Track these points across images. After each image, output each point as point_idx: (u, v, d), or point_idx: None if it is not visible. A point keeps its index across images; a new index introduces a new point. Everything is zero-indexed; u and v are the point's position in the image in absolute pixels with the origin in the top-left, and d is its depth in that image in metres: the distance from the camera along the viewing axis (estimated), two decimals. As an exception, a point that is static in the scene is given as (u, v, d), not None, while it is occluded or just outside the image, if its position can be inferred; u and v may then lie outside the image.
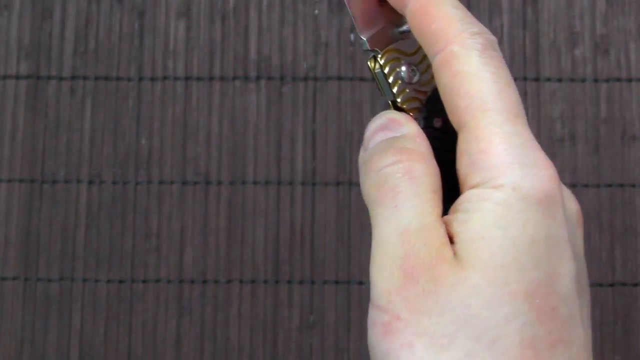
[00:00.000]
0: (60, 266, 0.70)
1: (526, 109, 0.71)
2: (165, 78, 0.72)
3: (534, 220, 0.20)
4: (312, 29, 0.73)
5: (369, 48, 0.25)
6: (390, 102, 0.25)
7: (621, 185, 0.69)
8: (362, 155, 0.24)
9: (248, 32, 0.73)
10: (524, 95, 0.71)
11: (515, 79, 0.74)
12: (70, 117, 0.72)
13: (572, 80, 0.71)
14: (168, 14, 0.73)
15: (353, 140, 0.71)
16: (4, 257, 0.70)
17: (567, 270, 0.20)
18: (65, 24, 0.73)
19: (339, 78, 0.72)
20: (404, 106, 0.25)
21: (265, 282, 0.69)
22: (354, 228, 0.69)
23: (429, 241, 0.21)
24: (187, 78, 0.72)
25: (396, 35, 0.26)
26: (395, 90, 0.25)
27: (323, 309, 0.68)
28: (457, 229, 0.21)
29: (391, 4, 0.24)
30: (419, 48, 0.25)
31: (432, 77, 0.24)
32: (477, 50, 0.22)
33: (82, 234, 0.70)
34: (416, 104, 0.25)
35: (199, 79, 0.72)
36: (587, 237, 0.69)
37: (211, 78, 0.72)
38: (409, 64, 0.25)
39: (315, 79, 0.72)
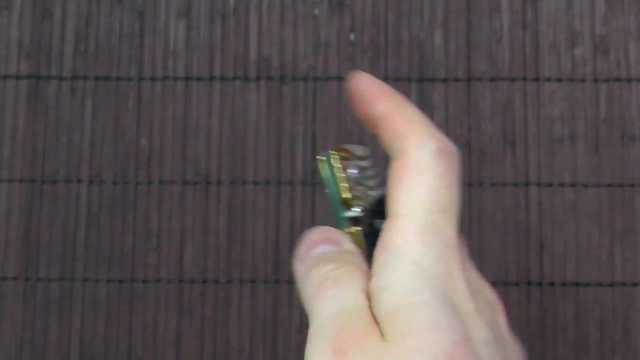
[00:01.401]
0: (61, 266, 0.70)
1: (526, 109, 0.71)
2: (165, 78, 0.72)
3: (441, 286, 0.22)
4: (312, 29, 0.73)
5: (321, 154, 0.28)
6: (336, 199, 0.27)
7: (621, 185, 0.70)
8: (300, 265, 0.26)
9: (248, 32, 0.73)
10: (523, 95, 0.71)
11: (514, 79, 0.74)
12: (70, 117, 0.72)
13: (571, 80, 0.71)
14: (168, 14, 0.73)
15: (353, 140, 0.71)
16: (4, 257, 0.70)
17: (481, 336, 0.21)
18: (66, 24, 0.73)
19: (339, 78, 0.72)
20: (350, 202, 0.26)
21: (265, 282, 0.69)
22: (354, 228, 0.69)
23: (358, 320, 0.22)
24: (187, 78, 0.72)
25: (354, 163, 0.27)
26: (342, 187, 0.27)
27: (323, 308, 0.68)
28: (374, 303, 0.22)
29: (359, 109, 0.26)
30: (368, 157, 0.27)
31: (381, 184, 0.26)
32: (431, 150, 0.24)
33: (82, 234, 0.70)
34: (361, 204, 0.26)
35: (199, 79, 0.72)
36: (587, 237, 0.69)
37: (211, 78, 0.72)
38: (358, 167, 0.27)
39: (315, 79, 0.72)
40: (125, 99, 0.72)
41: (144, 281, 0.70)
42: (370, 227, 0.26)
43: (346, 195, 0.26)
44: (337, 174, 0.26)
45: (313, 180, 0.70)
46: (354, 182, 0.26)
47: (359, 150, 0.27)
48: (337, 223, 0.26)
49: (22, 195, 0.71)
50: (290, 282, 0.69)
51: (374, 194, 0.26)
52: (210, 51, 0.73)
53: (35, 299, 0.70)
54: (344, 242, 0.26)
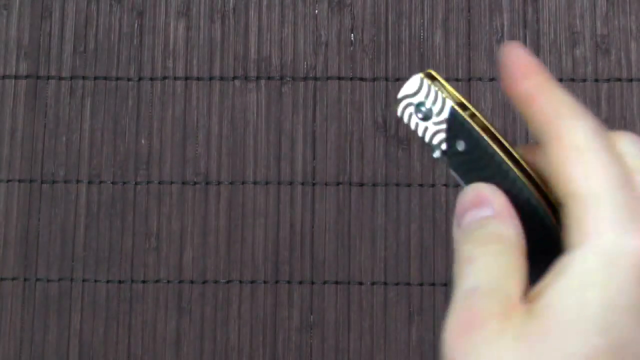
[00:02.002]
0: (60, 266, 0.70)
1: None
2: (165, 78, 0.72)
3: (617, 286, 0.21)
4: (312, 29, 0.72)
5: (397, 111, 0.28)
6: (427, 145, 0.27)
7: (622, 185, 0.69)
8: (456, 231, 0.25)
9: (248, 32, 0.73)
10: (524, 95, 0.71)
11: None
12: (70, 117, 0.72)
13: (572, 80, 0.71)
14: (168, 14, 0.73)
15: (353, 140, 0.71)
16: (3, 258, 0.70)
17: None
18: (65, 24, 0.73)
19: (339, 78, 0.71)
20: (433, 142, 0.27)
21: (265, 282, 0.69)
22: (354, 228, 0.69)
23: (496, 299, 0.22)
24: (187, 78, 0.72)
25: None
26: (420, 132, 0.27)
27: (323, 309, 0.68)
28: (542, 290, 0.22)
29: (508, 86, 0.26)
30: (419, 86, 0.27)
31: (443, 105, 0.26)
32: (584, 128, 0.24)
33: (82, 234, 0.70)
34: (442, 135, 0.27)
35: (199, 79, 0.72)
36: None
37: (211, 78, 0.72)
38: (418, 105, 0.27)
39: (315, 79, 0.71)
40: (124, 99, 0.72)
41: (144, 281, 0.69)
42: (454, 150, 0.26)
43: (425, 136, 0.27)
44: (412, 127, 0.27)
45: (313, 180, 0.70)
46: (423, 122, 0.27)
47: (409, 88, 0.27)
48: (432, 151, 0.27)
49: (21, 195, 0.71)
50: (290, 282, 0.69)
51: (444, 117, 0.27)
52: (210, 51, 0.72)
53: (34, 299, 0.70)
54: (494, 200, 0.25)
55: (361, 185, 0.70)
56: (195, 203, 0.70)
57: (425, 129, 0.27)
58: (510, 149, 0.26)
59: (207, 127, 0.71)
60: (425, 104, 0.27)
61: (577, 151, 0.23)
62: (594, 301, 0.20)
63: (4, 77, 0.72)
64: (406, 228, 0.69)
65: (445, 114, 0.27)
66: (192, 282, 0.69)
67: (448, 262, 0.69)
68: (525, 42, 0.71)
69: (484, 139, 0.26)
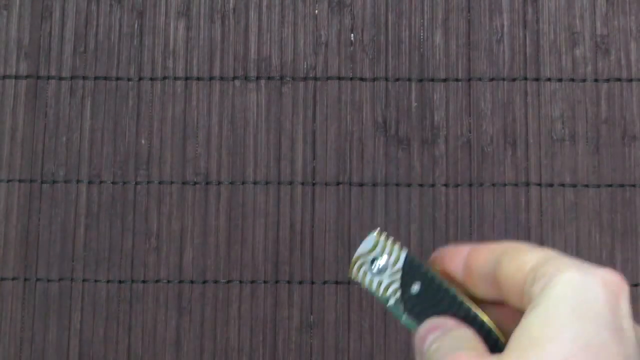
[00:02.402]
0: (60, 266, 0.70)
1: (526, 109, 0.71)
2: (165, 78, 0.72)
3: (585, 301, 0.23)
4: (312, 29, 0.72)
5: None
6: (377, 296, 0.30)
7: (621, 185, 0.69)
8: (420, 358, 0.28)
9: (248, 32, 0.73)
10: (524, 95, 0.71)
11: (515, 79, 0.74)
12: (70, 117, 0.72)
13: (572, 80, 0.71)
14: (168, 14, 0.73)
15: (353, 140, 0.71)
16: (3, 258, 0.70)
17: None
18: (65, 24, 0.73)
19: (339, 78, 0.71)
20: (387, 294, 0.29)
21: (265, 282, 0.69)
22: (354, 228, 0.69)
23: (465, 351, 0.25)
24: (187, 78, 0.72)
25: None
26: (374, 288, 0.29)
27: (323, 309, 0.68)
28: (510, 339, 0.24)
29: (452, 265, 0.30)
30: (375, 243, 0.30)
31: (398, 254, 0.29)
32: (522, 244, 0.27)
33: (82, 234, 0.70)
34: (394, 285, 0.29)
35: (198, 78, 0.72)
36: (588, 236, 0.69)
37: (211, 78, 0.72)
38: (373, 261, 0.30)
39: (315, 79, 0.72)
40: (124, 99, 0.72)
41: (144, 281, 0.69)
42: (409, 294, 0.29)
43: (378, 291, 0.30)
44: (367, 285, 0.30)
45: (313, 180, 0.70)
46: (377, 276, 0.30)
47: (365, 247, 0.30)
48: (391, 312, 0.31)
49: (21, 195, 0.71)
50: (290, 282, 0.69)
51: (398, 267, 0.30)
52: (210, 51, 0.72)
53: (35, 299, 0.70)
54: (447, 321, 0.28)
55: (361, 185, 0.70)
56: (195, 203, 0.70)
57: (380, 282, 0.29)
58: (462, 294, 0.29)
59: (207, 127, 0.71)
60: (381, 258, 0.29)
61: (524, 249, 0.26)
62: (564, 315, 0.22)
63: (4, 77, 0.72)
64: (406, 228, 0.69)
65: (400, 263, 0.29)
66: (192, 282, 0.69)
67: None
68: (525, 42, 0.72)
69: (438, 276, 0.28)
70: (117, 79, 0.72)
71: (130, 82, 0.72)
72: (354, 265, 0.30)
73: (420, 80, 0.71)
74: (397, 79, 0.71)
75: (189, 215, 0.70)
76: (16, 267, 0.70)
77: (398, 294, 0.29)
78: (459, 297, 0.28)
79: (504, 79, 0.71)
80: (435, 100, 0.71)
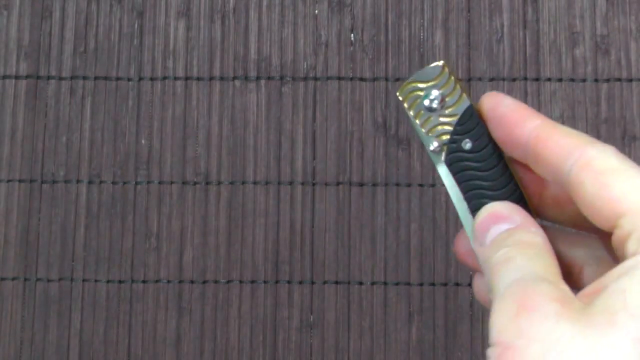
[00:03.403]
0: (60, 266, 0.70)
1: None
2: (165, 78, 0.72)
3: None
4: (312, 29, 0.72)
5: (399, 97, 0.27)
6: (419, 130, 0.26)
7: (621, 185, 0.69)
8: (481, 249, 0.25)
9: (248, 32, 0.73)
10: (524, 95, 0.71)
11: (515, 79, 0.74)
12: (70, 117, 0.72)
13: (572, 80, 0.71)
14: (168, 14, 0.73)
15: (353, 140, 0.71)
16: (3, 257, 0.70)
17: None
18: (65, 24, 0.73)
19: (339, 78, 0.71)
20: (430, 134, 0.26)
21: (265, 282, 0.69)
22: (354, 228, 0.69)
23: (539, 284, 0.21)
24: (187, 78, 0.72)
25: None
26: (418, 121, 0.26)
27: (323, 309, 0.68)
28: (604, 287, 0.21)
29: (505, 134, 0.25)
30: (438, 76, 0.26)
31: (459, 99, 0.25)
32: (612, 151, 0.23)
33: (82, 234, 0.70)
34: (446, 129, 0.26)
35: (199, 79, 0.72)
36: (588, 237, 0.69)
37: (211, 78, 0.72)
38: (430, 93, 0.26)
39: (315, 79, 0.72)
40: (125, 99, 0.72)
41: (144, 281, 0.69)
42: (457, 146, 0.25)
43: (423, 127, 0.26)
44: (409, 109, 0.26)
45: (313, 180, 0.70)
46: (427, 112, 0.26)
47: (424, 75, 0.26)
48: (429, 156, 0.26)
49: (21, 195, 0.71)
50: (290, 282, 0.69)
51: (454, 112, 0.26)
52: (210, 51, 0.72)
53: (35, 299, 0.70)
54: (515, 214, 0.24)
55: (361, 185, 0.70)
56: (195, 203, 0.70)
57: (428, 118, 0.26)
58: (511, 165, 0.26)
59: (207, 127, 0.71)
60: (438, 94, 0.26)
61: (614, 172, 0.22)
62: None
63: (4, 77, 0.72)
64: (406, 228, 0.69)
65: (459, 109, 0.26)
66: (192, 282, 0.69)
67: (448, 262, 0.69)
68: (525, 42, 0.72)
69: (496, 145, 0.25)
70: (117, 79, 0.72)
71: (130, 82, 0.72)
72: (405, 88, 0.26)
73: (420, 80, 0.71)
74: (397, 79, 0.71)
75: (189, 215, 0.70)
76: (16, 267, 0.70)
77: (444, 140, 0.26)
78: (507, 174, 0.25)
79: (504, 79, 0.71)
80: (435, 100, 0.71)
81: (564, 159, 0.23)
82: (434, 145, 0.26)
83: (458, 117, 0.26)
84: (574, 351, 0.19)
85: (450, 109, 0.26)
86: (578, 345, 0.19)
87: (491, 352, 0.21)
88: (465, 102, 0.26)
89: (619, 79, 0.71)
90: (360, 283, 0.69)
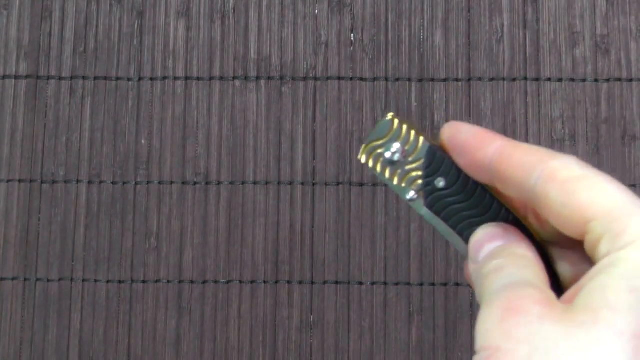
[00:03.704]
0: (60, 266, 0.70)
1: (526, 109, 0.71)
2: (165, 78, 0.72)
3: None
4: (312, 29, 0.72)
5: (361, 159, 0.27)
6: (392, 186, 0.26)
7: (622, 185, 0.69)
8: (474, 266, 0.25)
9: (248, 32, 0.73)
10: (524, 95, 0.71)
11: (515, 79, 0.74)
12: (70, 117, 0.72)
13: (572, 80, 0.71)
14: (168, 14, 0.73)
15: (353, 140, 0.71)
16: (3, 258, 0.70)
17: None
18: (65, 24, 0.73)
19: (339, 78, 0.71)
20: (403, 185, 0.26)
21: (265, 282, 0.69)
22: (354, 228, 0.69)
23: (527, 289, 0.22)
24: (187, 78, 0.72)
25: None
26: (388, 177, 0.26)
27: (323, 309, 0.68)
28: (582, 286, 0.22)
29: (469, 160, 0.26)
30: (390, 129, 0.26)
31: (418, 144, 0.26)
32: (574, 160, 0.24)
33: (82, 234, 0.70)
34: (416, 175, 0.26)
35: (199, 79, 0.72)
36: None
37: (211, 78, 0.72)
38: (389, 148, 0.26)
39: (315, 79, 0.72)
40: (125, 99, 0.72)
41: (144, 281, 0.69)
42: (432, 188, 0.26)
43: (394, 180, 0.26)
44: (380, 172, 0.27)
45: (313, 180, 0.70)
46: (393, 166, 0.26)
47: (377, 134, 0.27)
48: (410, 205, 0.27)
49: (21, 195, 0.71)
50: (290, 282, 0.69)
51: (418, 157, 0.26)
52: (210, 51, 0.72)
53: (35, 299, 0.70)
54: (509, 234, 0.25)
55: (361, 185, 0.70)
56: (195, 203, 0.70)
57: (395, 171, 0.26)
58: (486, 186, 0.26)
59: (207, 127, 0.71)
60: (398, 146, 0.26)
61: (579, 180, 0.23)
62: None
63: (4, 77, 0.72)
64: (406, 228, 0.69)
65: (422, 153, 0.26)
66: (192, 282, 0.69)
67: (448, 262, 0.69)
68: (525, 42, 0.72)
69: (465, 173, 0.26)
70: (117, 79, 0.72)
71: (130, 82, 0.72)
72: (365, 150, 0.27)
73: (420, 80, 0.71)
74: (397, 79, 0.71)
75: (189, 215, 0.70)
76: (16, 267, 0.70)
77: (419, 186, 0.26)
78: (488, 196, 0.25)
79: (504, 79, 0.71)
80: (435, 100, 0.71)
81: (528, 175, 0.24)
82: (410, 194, 0.26)
83: (423, 160, 0.26)
84: (560, 350, 0.20)
85: (413, 156, 0.26)
86: (564, 343, 0.20)
87: (478, 359, 0.21)
88: (425, 145, 0.26)
89: (619, 79, 0.70)
90: (360, 283, 0.69)
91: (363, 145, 0.27)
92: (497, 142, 0.25)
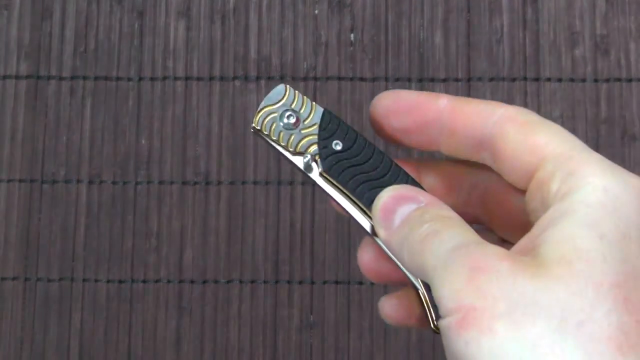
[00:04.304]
0: (60, 266, 0.70)
1: (526, 109, 0.71)
2: (165, 78, 0.72)
3: (626, 218, 0.20)
4: (312, 29, 0.72)
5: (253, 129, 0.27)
6: (287, 153, 0.27)
7: (621, 185, 0.69)
8: (389, 233, 0.24)
9: (248, 32, 0.73)
10: (524, 95, 0.71)
11: (515, 79, 0.74)
12: (70, 117, 0.72)
13: (572, 80, 0.71)
14: (168, 14, 0.73)
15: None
16: (4, 257, 0.70)
17: None
18: (65, 24, 0.73)
19: (339, 78, 0.72)
20: (298, 149, 0.26)
21: (265, 282, 0.69)
22: (354, 228, 0.69)
23: (491, 247, 0.21)
24: (187, 78, 0.72)
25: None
26: (283, 143, 0.26)
27: (323, 309, 0.68)
28: (543, 236, 0.21)
29: (414, 120, 0.26)
30: (284, 95, 0.26)
31: (312, 108, 0.26)
32: (529, 111, 0.24)
33: (82, 234, 0.70)
34: (311, 139, 0.26)
35: (199, 79, 0.72)
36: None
37: (211, 78, 0.72)
38: (283, 113, 0.27)
39: (315, 79, 0.72)
40: (125, 99, 0.72)
41: (144, 281, 0.70)
42: (328, 150, 0.26)
43: (290, 145, 0.26)
44: (274, 140, 0.27)
45: (313, 180, 0.70)
46: (287, 131, 0.26)
47: (271, 100, 0.27)
48: (305, 174, 0.27)
49: (22, 195, 0.71)
50: (291, 282, 0.69)
51: (313, 122, 0.26)
52: (210, 51, 0.72)
53: (35, 299, 0.70)
54: (419, 195, 0.24)
55: (361, 185, 0.70)
56: (195, 203, 0.70)
57: (290, 137, 0.26)
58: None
59: (207, 127, 0.71)
60: (292, 111, 0.26)
61: (537, 124, 0.23)
62: (611, 233, 0.20)
63: (4, 77, 0.72)
64: (406, 228, 0.69)
65: (316, 117, 0.26)
66: (192, 282, 0.69)
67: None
68: (525, 42, 0.72)
69: (362, 136, 0.25)
70: (117, 79, 0.72)
71: (130, 82, 0.72)
72: (259, 115, 0.26)
73: (420, 80, 0.71)
74: (397, 79, 0.71)
75: (189, 215, 0.70)
76: (16, 267, 0.70)
77: (314, 151, 0.26)
78: (396, 163, 0.25)
79: (503, 79, 0.71)
80: (435, 100, 0.71)
81: (485, 119, 0.24)
82: (305, 159, 0.26)
83: (318, 124, 0.26)
84: (541, 304, 0.19)
85: (307, 120, 0.26)
86: (543, 297, 0.19)
87: (448, 322, 0.21)
88: (319, 109, 0.26)
89: (619, 79, 0.71)
90: (360, 283, 0.69)
91: (255, 113, 0.27)
92: (444, 98, 0.25)
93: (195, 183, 0.71)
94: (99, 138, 0.72)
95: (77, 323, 0.69)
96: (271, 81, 0.72)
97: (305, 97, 0.26)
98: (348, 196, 0.26)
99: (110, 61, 0.73)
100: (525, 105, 0.71)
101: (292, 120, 0.26)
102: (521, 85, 0.71)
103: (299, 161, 0.26)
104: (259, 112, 0.27)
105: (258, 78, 0.72)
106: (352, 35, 0.72)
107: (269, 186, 0.70)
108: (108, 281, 0.70)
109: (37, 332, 0.69)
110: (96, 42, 0.73)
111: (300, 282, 0.69)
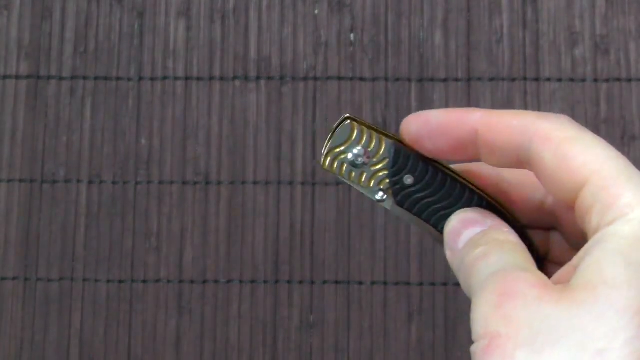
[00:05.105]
0: (60, 266, 0.70)
1: (526, 109, 0.71)
2: (165, 78, 0.72)
3: None
4: (312, 29, 0.73)
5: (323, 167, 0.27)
6: (358, 188, 0.26)
7: (621, 185, 0.69)
8: (454, 254, 0.25)
9: (248, 32, 0.73)
10: (524, 95, 0.71)
11: (515, 79, 0.74)
12: (70, 117, 0.72)
13: (572, 80, 0.71)
14: (168, 14, 0.73)
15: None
16: (4, 257, 0.70)
17: None
18: (65, 24, 0.73)
19: (339, 78, 0.72)
20: (371, 186, 0.26)
21: (265, 282, 0.69)
22: (354, 228, 0.69)
23: (520, 272, 0.21)
24: (187, 78, 0.72)
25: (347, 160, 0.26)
26: (355, 180, 0.26)
27: (323, 309, 0.68)
28: (576, 263, 0.21)
29: (449, 141, 0.25)
30: (350, 133, 0.26)
31: (381, 143, 0.25)
32: (567, 120, 0.23)
33: (82, 234, 0.70)
34: (382, 175, 0.26)
35: (199, 79, 0.72)
36: (587, 237, 0.69)
37: (211, 78, 0.72)
38: (351, 152, 0.26)
39: (315, 79, 0.72)
40: (125, 99, 0.72)
41: (144, 281, 0.70)
42: (401, 186, 0.25)
43: (361, 182, 0.26)
44: (346, 178, 0.26)
45: (313, 180, 0.70)
46: (357, 169, 0.26)
47: (337, 140, 0.26)
48: (380, 207, 0.26)
49: (22, 195, 0.71)
50: (291, 282, 0.69)
51: (383, 156, 0.26)
52: (210, 51, 0.73)
53: (35, 299, 0.70)
54: (486, 218, 0.24)
55: (361, 185, 0.70)
56: (195, 203, 0.70)
57: (361, 174, 0.26)
58: (456, 173, 0.26)
59: (207, 127, 0.71)
60: (360, 149, 0.26)
61: (573, 141, 0.22)
62: (639, 261, 0.20)
63: (4, 77, 0.72)
64: (406, 228, 0.69)
65: (386, 152, 0.26)
66: (192, 282, 0.69)
67: (448, 262, 0.69)
68: (525, 42, 0.72)
69: (436, 166, 0.25)
70: (117, 79, 0.72)
71: (130, 82, 0.72)
72: (327, 157, 0.26)
73: (420, 80, 0.71)
74: (397, 79, 0.72)
75: (189, 215, 0.70)
76: (16, 267, 0.70)
77: (387, 185, 0.26)
78: (460, 185, 0.25)
79: (503, 79, 0.71)
80: (435, 100, 0.71)
81: (521, 138, 0.23)
82: (379, 195, 0.26)
83: (389, 159, 0.26)
84: (562, 330, 0.19)
85: (377, 156, 0.26)
86: (565, 323, 0.19)
87: (476, 347, 0.21)
88: (388, 144, 0.26)
89: (619, 79, 0.71)
90: (360, 283, 0.69)
91: (324, 153, 0.26)
92: (477, 113, 0.24)
93: (195, 183, 0.71)
94: (99, 138, 0.72)
95: (77, 323, 0.69)
96: (271, 81, 0.72)
97: (371, 129, 0.26)
98: (424, 222, 0.26)
99: (110, 61, 0.73)
100: (525, 105, 0.71)
101: (362, 159, 0.26)
102: (521, 85, 0.71)
103: (371, 194, 0.26)
104: (327, 154, 0.26)
105: (258, 78, 0.72)
106: (352, 35, 0.72)
107: (269, 186, 0.70)
108: (108, 281, 0.70)
109: (37, 332, 0.69)
110: (96, 42, 0.73)
111: (300, 282, 0.69)
